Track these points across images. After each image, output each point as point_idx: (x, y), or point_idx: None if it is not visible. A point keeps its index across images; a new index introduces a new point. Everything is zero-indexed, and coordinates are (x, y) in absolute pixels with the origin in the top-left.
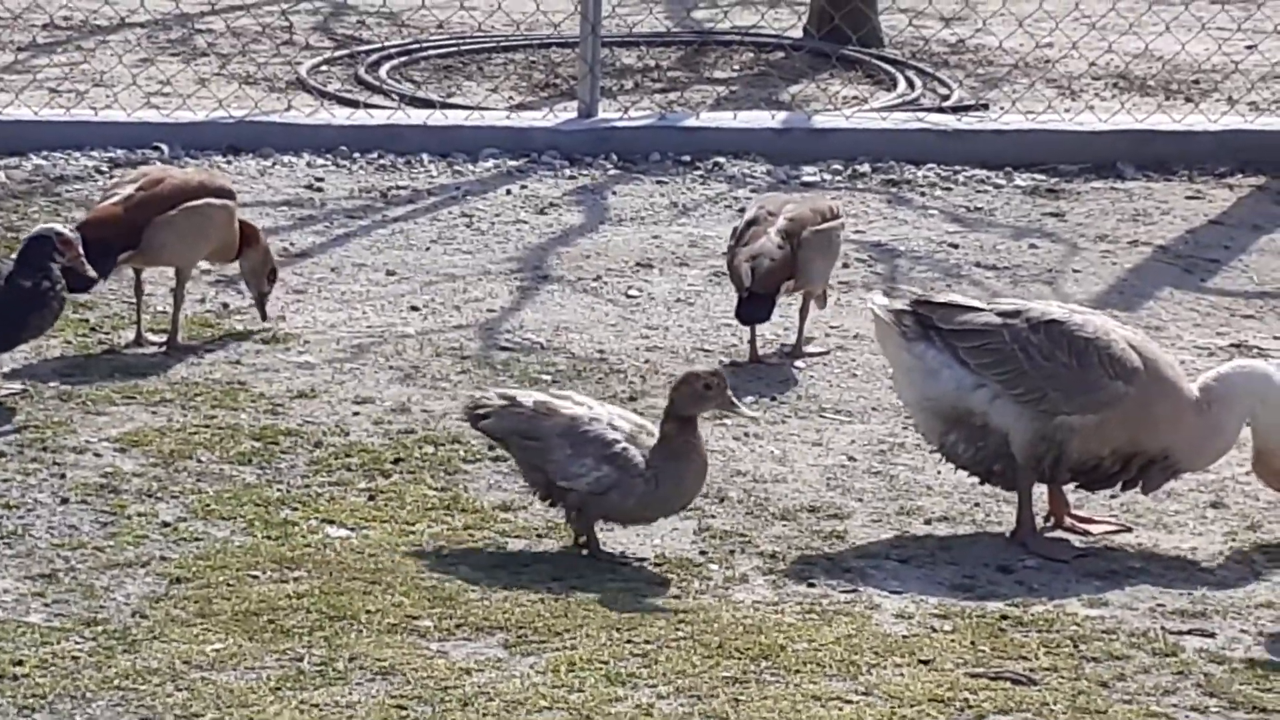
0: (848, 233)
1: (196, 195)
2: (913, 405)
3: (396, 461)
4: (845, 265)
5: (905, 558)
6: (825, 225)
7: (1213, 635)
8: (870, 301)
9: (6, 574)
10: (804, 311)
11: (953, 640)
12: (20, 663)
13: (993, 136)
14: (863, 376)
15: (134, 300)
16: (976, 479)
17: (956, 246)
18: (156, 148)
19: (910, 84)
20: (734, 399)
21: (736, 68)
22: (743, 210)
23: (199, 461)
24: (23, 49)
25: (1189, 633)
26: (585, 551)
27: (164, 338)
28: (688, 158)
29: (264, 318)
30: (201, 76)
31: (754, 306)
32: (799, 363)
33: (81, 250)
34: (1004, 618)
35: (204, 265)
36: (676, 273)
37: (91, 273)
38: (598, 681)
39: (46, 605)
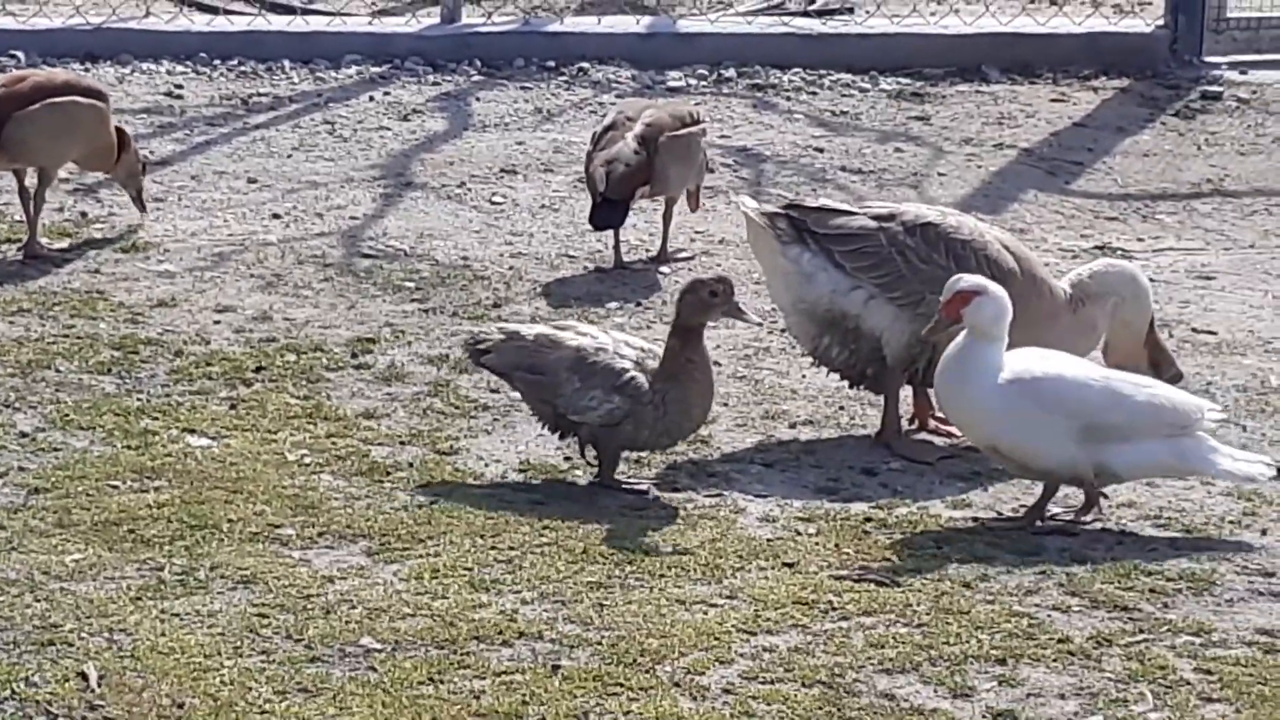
0: (713, 138)
1: (61, 93)
2: (786, 309)
3: (258, 370)
4: (710, 170)
5: (770, 461)
6: (683, 131)
7: (1075, 535)
8: (742, 205)
9: None
10: (667, 217)
11: (817, 543)
12: None
13: (858, 40)
14: None
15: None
16: (846, 383)
17: (822, 151)
18: (13, 55)
19: None
20: (741, 306)
21: None
22: (604, 117)
23: (57, 371)
24: None
25: (1051, 533)
26: (601, 483)
27: (55, 247)
28: (552, 63)
29: (143, 210)
30: None
31: (607, 212)
32: (664, 268)
33: None
34: (868, 520)
35: (61, 174)
36: (541, 179)
37: None
38: (461, 588)
39: None
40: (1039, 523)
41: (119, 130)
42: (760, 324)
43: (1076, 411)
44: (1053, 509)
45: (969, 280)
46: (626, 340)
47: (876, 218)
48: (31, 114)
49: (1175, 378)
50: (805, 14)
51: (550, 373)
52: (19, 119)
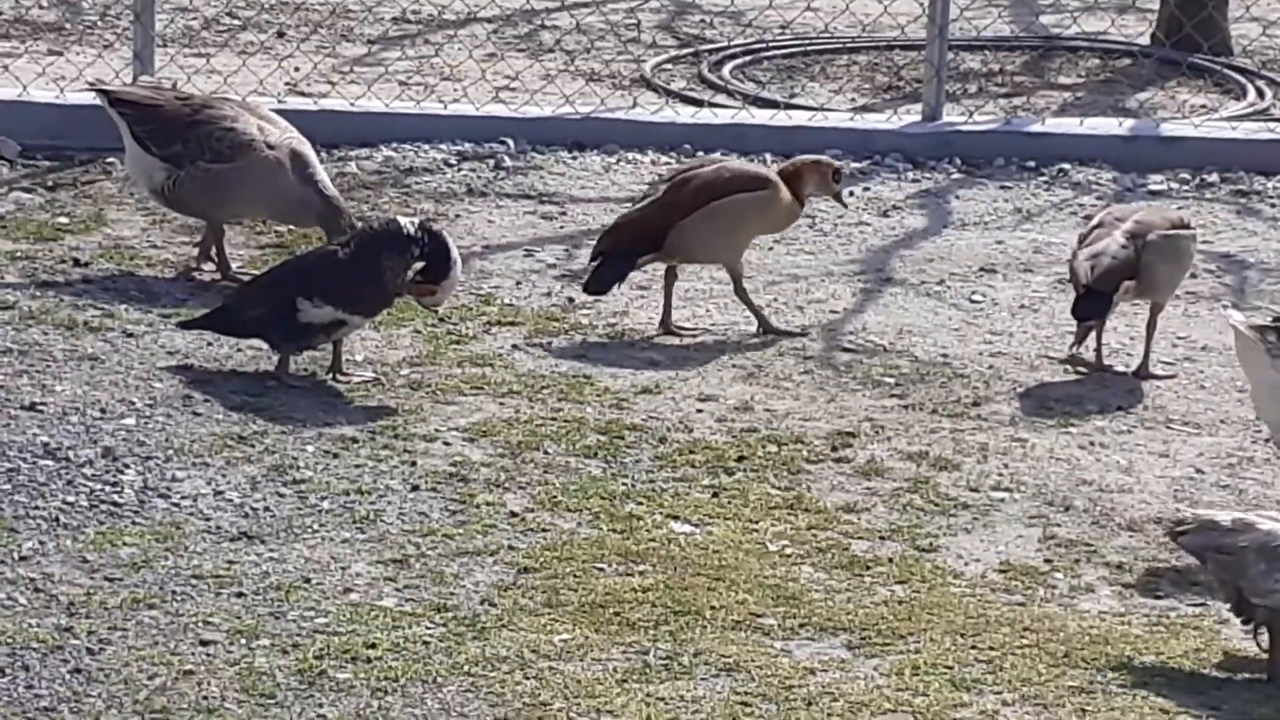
0: (1196, 244)
1: (724, 192)
2: (1275, 423)
3: (740, 459)
4: (1193, 276)
5: None
6: (1174, 232)
7: None
8: (1229, 318)
9: (360, 557)
10: (1151, 328)
11: None
12: (373, 645)
13: None
14: (1211, 389)
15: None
16: None
17: None
18: (503, 142)
19: (1260, 94)
20: None
21: (1082, 74)
22: (1088, 218)
23: (546, 453)
24: (373, 42)
25: None
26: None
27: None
28: (1032, 163)
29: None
30: (548, 72)
31: (1091, 303)
32: (1144, 385)
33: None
34: None
35: (550, 259)
36: (1020, 279)
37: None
38: (942, 686)
39: (398, 590)
40: None
41: (796, 172)
42: None
43: None
44: None
45: None
46: None
47: None
48: (692, 224)
49: None
50: None
51: (1237, 554)
52: (681, 228)
